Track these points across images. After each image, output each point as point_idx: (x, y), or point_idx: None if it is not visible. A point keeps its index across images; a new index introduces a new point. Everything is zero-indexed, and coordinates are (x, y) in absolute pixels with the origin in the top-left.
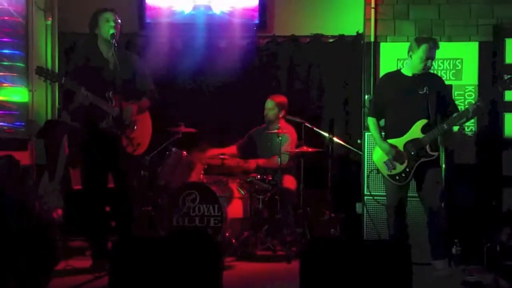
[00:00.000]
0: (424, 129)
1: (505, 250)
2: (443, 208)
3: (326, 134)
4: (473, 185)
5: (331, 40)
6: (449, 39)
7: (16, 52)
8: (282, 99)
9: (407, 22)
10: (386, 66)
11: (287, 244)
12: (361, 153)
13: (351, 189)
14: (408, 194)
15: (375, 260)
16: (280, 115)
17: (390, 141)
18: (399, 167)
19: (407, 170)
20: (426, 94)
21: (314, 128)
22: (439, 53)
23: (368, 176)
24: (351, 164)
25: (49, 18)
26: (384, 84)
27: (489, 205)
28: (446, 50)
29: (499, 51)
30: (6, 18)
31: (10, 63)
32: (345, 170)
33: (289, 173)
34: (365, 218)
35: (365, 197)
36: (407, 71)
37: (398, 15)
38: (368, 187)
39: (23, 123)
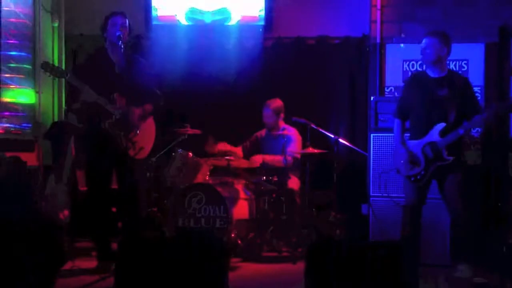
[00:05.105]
0: (442, 133)
1: None
2: (465, 211)
3: (332, 136)
4: (480, 186)
5: (336, 42)
6: (455, 41)
7: (23, 54)
8: (278, 103)
9: (412, 24)
10: (392, 67)
11: (293, 245)
12: (366, 154)
13: (357, 190)
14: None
15: (381, 261)
16: (279, 119)
17: (411, 142)
18: (416, 169)
19: (423, 172)
20: (446, 96)
21: (320, 130)
22: None
23: (380, 176)
24: (356, 165)
25: (56, 20)
26: (409, 85)
27: (495, 206)
28: (452, 51)
29: (505, 52)
30: (13, 20)
31: (17, 65)
32: (350, 171)
33: (294, 174)
34: (371, 219)
35: (371, 198)
36: (428, 71)
37: (404, 17)
38: (379, 187)
39: (29, 125)
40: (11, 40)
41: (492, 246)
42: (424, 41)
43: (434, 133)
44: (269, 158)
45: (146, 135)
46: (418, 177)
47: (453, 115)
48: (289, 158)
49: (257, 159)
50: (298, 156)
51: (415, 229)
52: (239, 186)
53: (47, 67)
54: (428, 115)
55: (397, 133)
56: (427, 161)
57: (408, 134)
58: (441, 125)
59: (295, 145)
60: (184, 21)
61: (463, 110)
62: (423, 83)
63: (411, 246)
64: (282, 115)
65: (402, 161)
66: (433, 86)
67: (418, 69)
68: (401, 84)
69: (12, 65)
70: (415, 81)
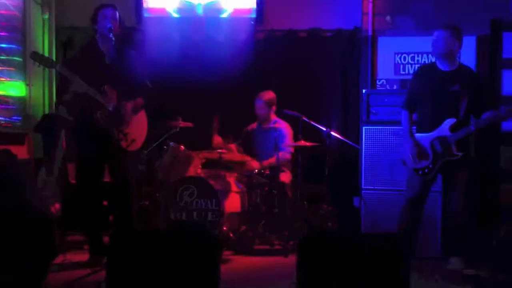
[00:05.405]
0: (452, 128)
1: (503, 244)
2: (464, 210)
3: (323, 128)
4: (471, 179)
5: (328, 34)
6: None
7: (13, 46)
8: (271, 95)
9: (405, 16)
10: (384, 60)
11: (285, 238)
12: (358, 147)
13: (349, 182)
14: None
15: (372, 253)
16: (271, 111)
17: (419, 135)
18: (424, 162)
19: (430, 166)
20: (457, 91)
21: (312, 123)
22: None
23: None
24: (348, 158)
25: (46, 12)
26: (418, 77)
27: (486, 199)
28: None
29: (497, 45)
30: (2, 12)
31: (7, 57)
32: (342, 164)
33: (286, 168)
34: (362, 212)
35: (363, 191)
36: (438, 63)
37: (396, 9)
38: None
39: (20, 117)
40: (1, 32)
41: (483, 239)
42: (435, 33)
43: (444, 128)
44: (265, 163)
45: (137, 127)
46: (426, 170)
47: (463, 111)
48: (287, 156)
49: (255, 165)
50: (293, 150)
51: (414, 222)
52: (231, 179)
53: (36, 57)
54: (438, 109)
55: (405, 125)
56: (435, 155)
57: (414, 127)
58: (452, 120)
59: (288, 140)
60: (175, 14)
61: (472, 106)
62: (433, 76)
63: (409, 239)
64: (274, 107)
65: (409, 154)
66: (444, 80)
67: (410, 62)
68: (393, 77)
69: (2, 57)
70: (424, 73)
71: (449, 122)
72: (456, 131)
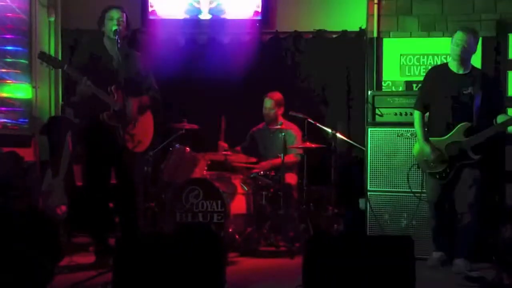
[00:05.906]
0: (467, 133)
1: (509, 246)
2: (472, 210)
3: (329, 130)
4: (482, 179)
5: (334, 36)
6: (452, 35)
7: (19, 48)
8: (279, 96)
9: (410, 18)
10: (389, 61)
11: (290, 240)
12: (364, 148)
13: (354, 185)
14: (413, 189)
15: (378, 255)
16: (280, 112)
17: (433, 139)
18: (440, 166)
19: (448, 170)
20: (470, 94)
21: (317, 124)
22: (442, 48)
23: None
24: (354, 160)
25: (52, 15)
26: (431, 78)
27: (492, 200)
28: (449, 45)
29: (503, 47)
30: (9, 14)
31: (13, 60)
32: (348, 166)
33: (291, 169)
34: (368, 214)
35: (369, 192)
36: (452, 65)
37: (401, 11)
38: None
39: (26, 120)
40: (7, 34)
41: (488, 241)
42: (456, 35)
43: (459, 133)
44: (267, 164)
45: (144, 128)
46: (443, 174)
47: (477, 114)
48: (294, 159)
49: (265, 165)
50: (301, 151)
51: (444, 222)
52: (237, 181)
53: (44, 57)
54: (451, 113)
55: (420, 128)
56: (452, 159)
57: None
58: (467, 124)
59: (297, 143)
60: (180, 16)
61: (486, 109)
62: (447, 79)
63: (444, 241)
64: (282, 108)
65: (425, 158)
66: (458, 83)
67: (416, 63)
68: (399, 78)
69: (8, 60)
70: (437, 75)
71: (464, 126)
72: (471, 136)
